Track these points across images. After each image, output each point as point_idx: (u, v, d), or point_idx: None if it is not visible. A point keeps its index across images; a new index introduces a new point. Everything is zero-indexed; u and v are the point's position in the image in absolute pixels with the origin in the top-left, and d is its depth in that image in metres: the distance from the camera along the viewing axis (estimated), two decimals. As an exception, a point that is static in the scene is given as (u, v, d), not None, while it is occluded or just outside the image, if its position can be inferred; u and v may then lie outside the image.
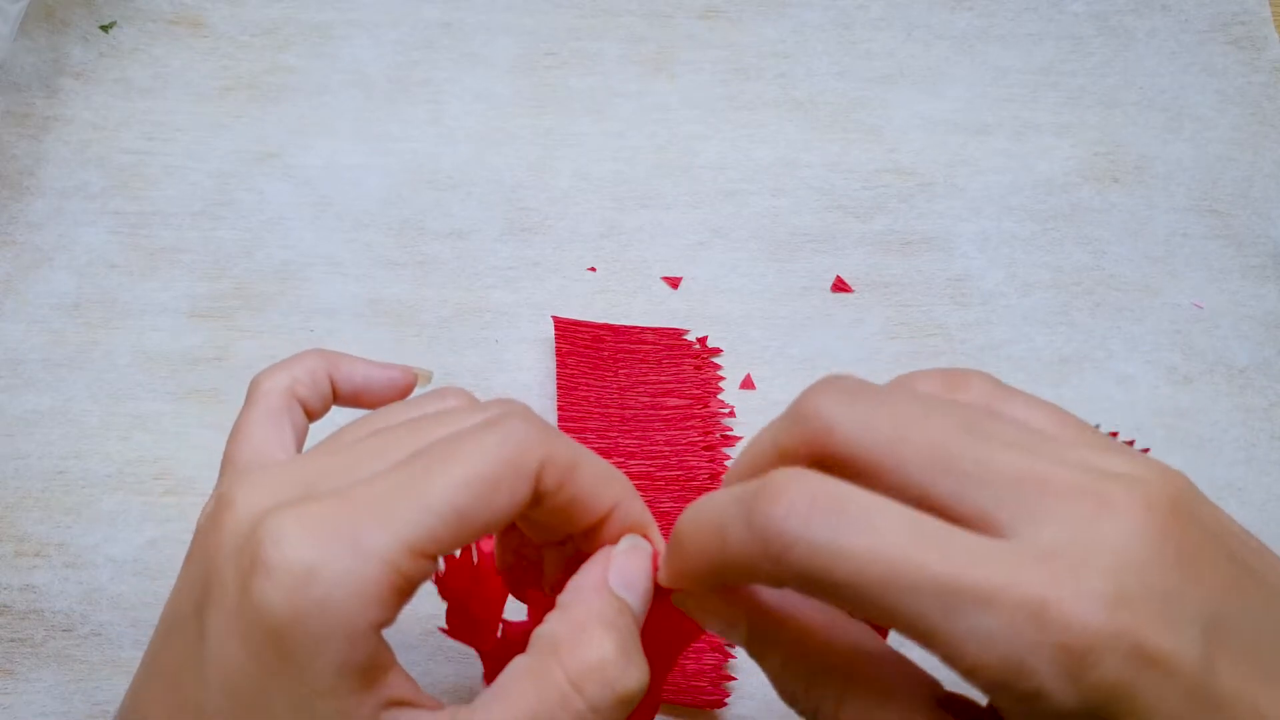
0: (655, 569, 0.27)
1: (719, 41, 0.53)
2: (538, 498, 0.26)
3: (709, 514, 0.24)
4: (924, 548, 0.21)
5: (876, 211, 0.49)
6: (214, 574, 0.24)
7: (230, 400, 0.44)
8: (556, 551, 0.30)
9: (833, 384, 0.24)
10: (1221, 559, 0.22)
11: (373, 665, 0.24)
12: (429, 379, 0.33)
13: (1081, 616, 0.20)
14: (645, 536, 0.28)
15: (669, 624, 0.29)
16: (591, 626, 0.25)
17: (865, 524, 0.21)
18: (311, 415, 0.31)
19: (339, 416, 0.30)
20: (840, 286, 0.47)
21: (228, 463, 0.29)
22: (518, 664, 0.25)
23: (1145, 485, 0.22)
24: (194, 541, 0.27)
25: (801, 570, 0.22)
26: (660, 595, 0.28)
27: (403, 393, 0.33)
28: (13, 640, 0.40)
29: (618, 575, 0.27)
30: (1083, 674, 0.20)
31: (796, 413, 0.24)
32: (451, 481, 0.24)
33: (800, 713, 0.25)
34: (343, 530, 0.23)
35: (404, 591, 0.24)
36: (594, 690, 0.24)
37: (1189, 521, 0.22)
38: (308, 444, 0.30)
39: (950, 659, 0.21)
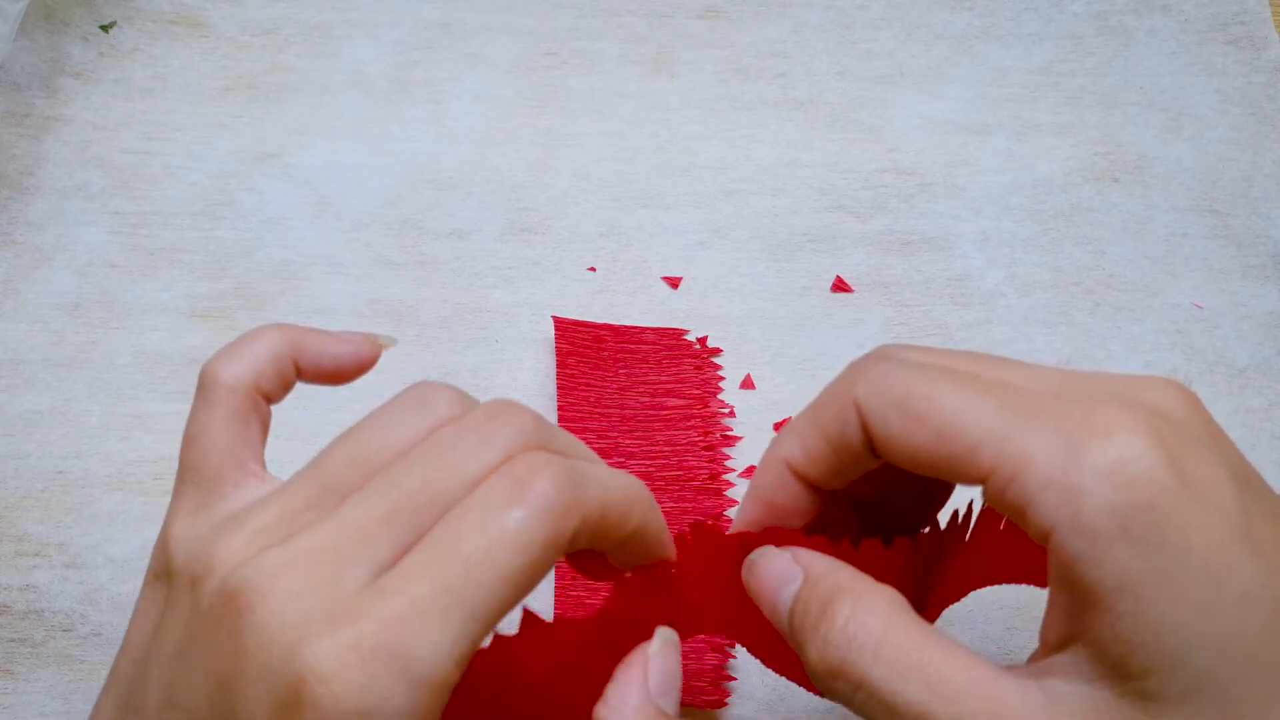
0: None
1: (719, 41, 0.53)
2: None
3: (815, 411, 0.28)
4: (986, 401, 0.24)
5: (876, 211, 0.49)
6: (241, 694, 0.22)
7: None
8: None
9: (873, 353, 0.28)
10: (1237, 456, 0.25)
11: None
12: (392, 344, 0.32)
13: (1130, 435, 0.22)
14: (664, 550, 0.28)
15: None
16: None
17: (942, 370, 0.26)
18: (272, 401, 0.29)
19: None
20: (840, 286, 0.47)
21: (190, 470, 0.27)
22: None
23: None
24: (179, 598, 0.25)
25: (896, 423, 0.25)
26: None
27: (368, 366, 0.31)
28: (13, 640, 0.40)
29: (658, 683, 0.26)
30: (1130, 483, 0.22)
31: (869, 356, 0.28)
32: (494, 582, 0.23)
33: (835, 691, 0.25)
34: (393, 662, 0.21)
35: (447, 698, 0.23)
36: None
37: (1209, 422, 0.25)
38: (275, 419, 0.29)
39: (999, 469, 0.23)
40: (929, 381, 0.25)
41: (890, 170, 0.50)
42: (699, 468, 0.43)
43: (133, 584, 0.41)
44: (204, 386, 0.28)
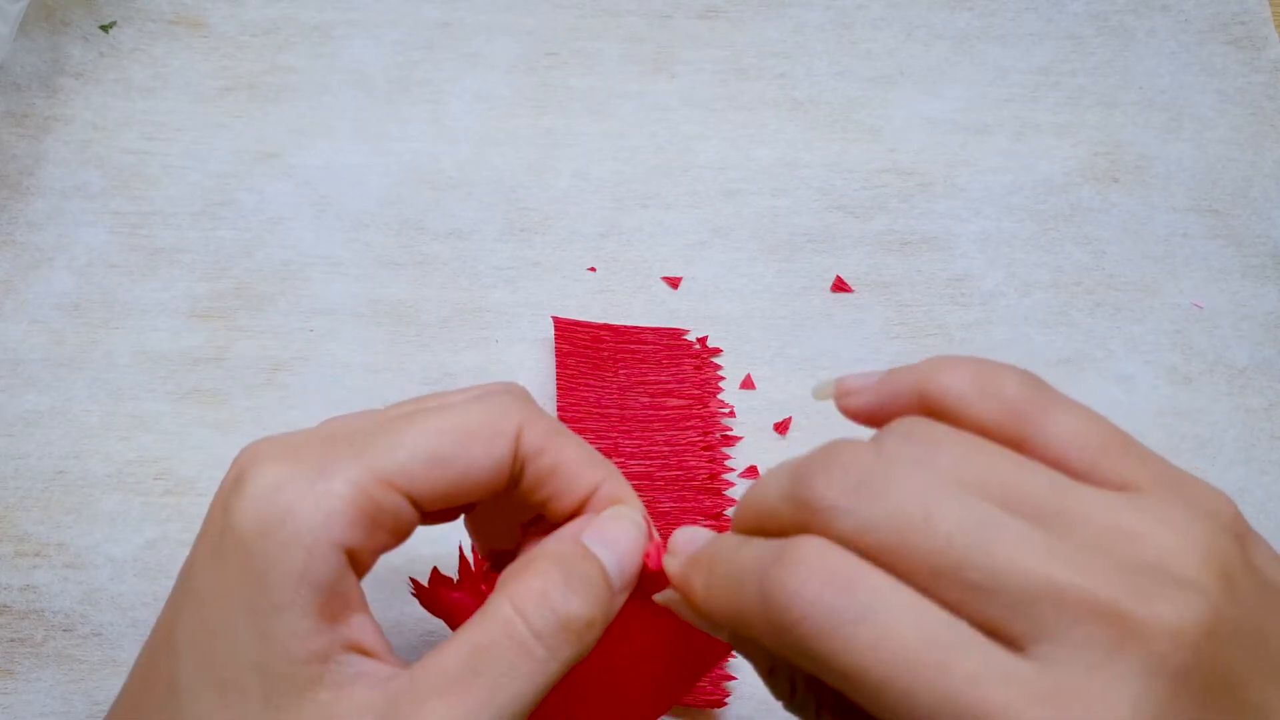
0: (651, 555, 0.27)
1: (719, 41, 0.53)
2: (520, 467, 0.26)
3: (728, 565, 0.24)
4: (934, 650, 0.20)
5: (876, 211, 0.49)
6: (209, 514, 0.26)
7: (230, 400, 0.44)
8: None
9: (837, 465, 0.22)
10: (1246, 694, 0.21)
11: (335, 594, 0.24)
12: None
13: None
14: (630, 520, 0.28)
15: (692, 635, 0.28)
16: (538, 560, 0.26)
17: (877, 613, 0.20)
18: None
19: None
20: (840, 286, 0.47)
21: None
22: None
23: (1176, 606, 0.20)
24: None
25: (804, 650, 0.21)
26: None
27: None
28: (13, 640, 0.40)
29: (594, 533, 0.27)
30: None
31: (794, 495, 0.22)
32: (429, 428, 0.25)
33: (791, 710, 0.25)
34: (315, 457, 0.25)
35: (374, 520, 0.24)
36: (535, 613, 0.24)
37: (1226, 639, 0.20)
38: None
39: None
40: (852, 623, 0.20)
41: (890, 170, 0.50)
42: (699, 468, 0.43)
43: (133, 584, 0.41)
44: None
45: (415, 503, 0.25)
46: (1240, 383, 0.46)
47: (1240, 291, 0.48)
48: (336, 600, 0.24)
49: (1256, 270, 0.48)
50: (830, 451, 0.23)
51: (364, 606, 0.25)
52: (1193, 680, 0.20)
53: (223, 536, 0.24)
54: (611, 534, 0.27)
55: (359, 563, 0.25)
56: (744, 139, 0.51)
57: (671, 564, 0.26)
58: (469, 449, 0.25)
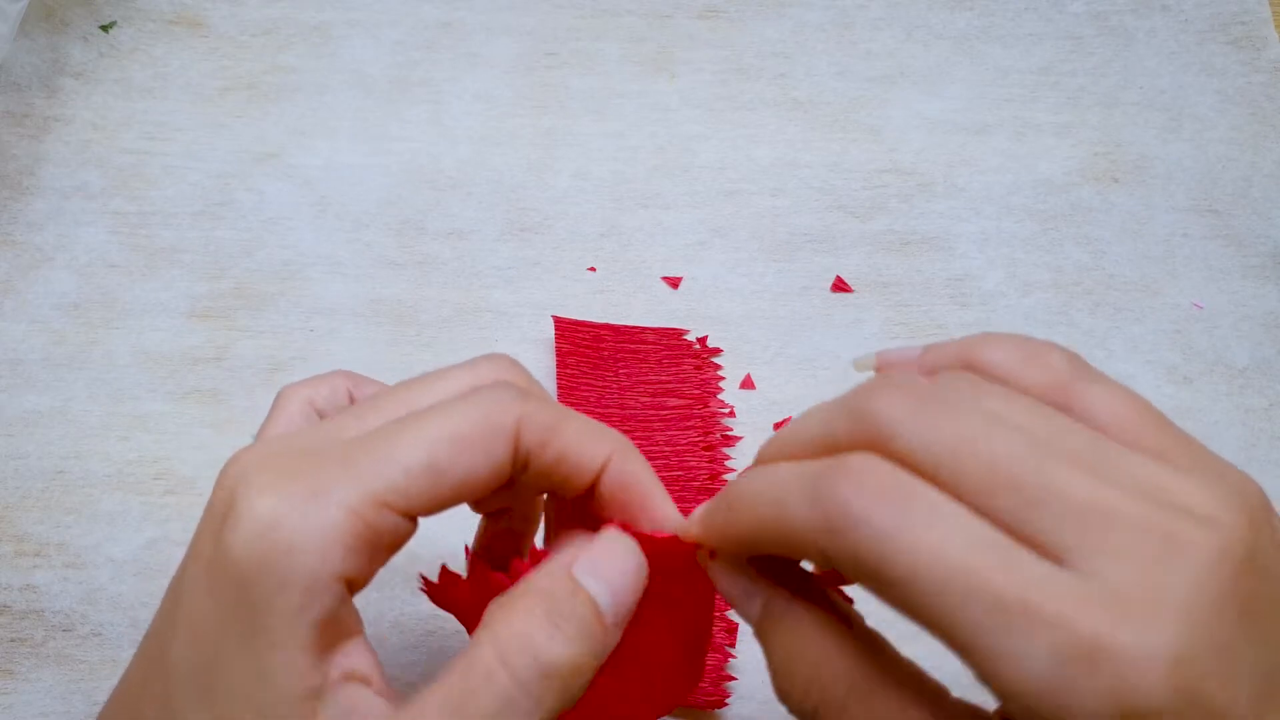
0: (657, 542, 0.27)
1: (719, 41, 0.53)
2: (523, 461, 0.26)
3: (769, 481, 0.24)
4: (985, 558, 0.20)
5: (876, 211, 0.49)
6: (198, 534, 0.25)
7: (230, 400, 0.44)
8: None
9: (897, 386, 0.23)
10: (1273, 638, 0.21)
11: (333, 624, 0.24)
12: None
13: (1139, 668, 0.19)
14: (646, 498, 0.27)
15: (681, 623, 0.28)
16: (526, 596, 0.25)
17: (931, 522, 0.21)
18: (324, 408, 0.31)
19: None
20: (840, 286, 0.47)
21: None
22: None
23: (1218, 531, 0.21)
24: None
25: (859, 553, 0.21)
26: (671, 594, 0.27)
27: None
28: (13, 640, 0.40)
29: (586, 564, 0.26)
30: (1119, 707, 0.20)
31: (855, 409, 0.23)
32: (423, 438, 0.24)
33: (793, 711, 0.25)
34: (309, 481, 0.24)
35: (373, 545, 0.24)
36: (518, 661, 0.23)
37: (1259, 574, 0.21)
38: None
39: (989, 675, 0.20)
40: (906, 551, 0.21)
41: (890, 170, 0.50)
42: (699, 468, 0.43)
43: (133, 584, 0.41)
44: (273, 403, 0.31)
45: (412, 515, 0.25)
46: (1240, 383, 0.46)
47: (1240, 291, 0.48)
48: (333, 629, 0.24)
49: (1256, 270, 0.48)
50: (889, 378, 0.23)
51: (359, 628, 0.25)
52: (1236, 598, 0.20)
53: (217, 567, 0.24)
54: (606, 564, 0.26)
55: (356, 584, 0.24)
56: (744, 139, 0.51)
57: (692, 526, 0.27)
58: (466, 456, 0.25)
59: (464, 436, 0.25)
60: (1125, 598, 0.20)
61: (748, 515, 0.24)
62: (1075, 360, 0.24)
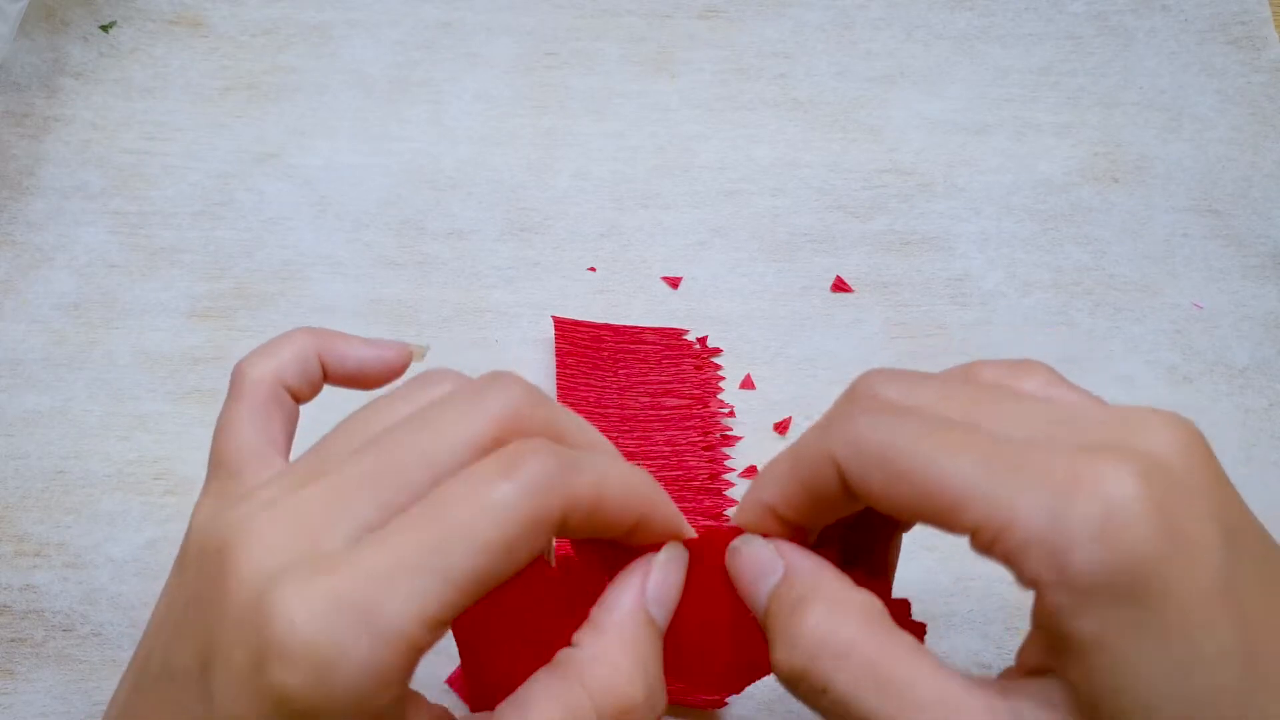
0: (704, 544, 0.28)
1: (719, 41, 0.53)
2: (560, 532, 0.25)
3: (783, 462, 0.27)
4: (973, 439, 0.24)
5: (876, 211, 0.49)
6: (218, 640, 0.23)
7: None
8: None
9: (870, 375, 0.27)
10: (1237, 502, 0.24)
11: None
12: (423, 355, 0.32)
13: (1119, 489, 0.22)
14: (672, 534, 0.28)
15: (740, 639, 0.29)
16: (626, 663, 0.25)
17: (932, 428, 0.24)
18: (300, 399, 0.30)
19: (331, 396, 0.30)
20: (840, 286, 0.47)
21: (217, 461, 0.28)
22: (542, 682, 0.25)
23: (1163, 437, 0.23)
24: (187, 567, 0.26)
25: (883, 469, 0.24)
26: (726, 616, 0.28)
27: (397, 372, 0.31)
28: (13, 640, 0.40)
29: (655, 590, 0.27)
30: (1116, 539, 0.21)
31: (848, 392, 0.27)
32: (471, 549, 0.23)
33: (803, 690, 0.25)
34: (359, 611, 0.22)
35: (419, 659, 0.23)
36: None
37: (1212, 461, 0.24)
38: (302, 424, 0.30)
39: (995, 539, 0.23)
40: (909, 438, 0.24)
41: (890, 170, 0.50)
42: (699, 468, 0.43)
43: (133, 584, 0.41)
44: (232, 382, 0.29)
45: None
46: (1240, 383, 0.46)
47: (1240, 291, 0.48)
48: None
49: (1256, 270, 0.48)
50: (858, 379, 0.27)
51: (416, 698, 0.25)
52: (1203, 463, 0.23)
53: (267, 702, 0.22)
54: (669, 590, 0.27)
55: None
56: (744, 139, 0.51)
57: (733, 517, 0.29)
58: (514, 559, 0.23)
59: (513, 541, 0.23)
60: (1099, 450, 0.23)
61: (774, 477, 0.27)
62: (1054, 377, 0.27)
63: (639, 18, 0.53)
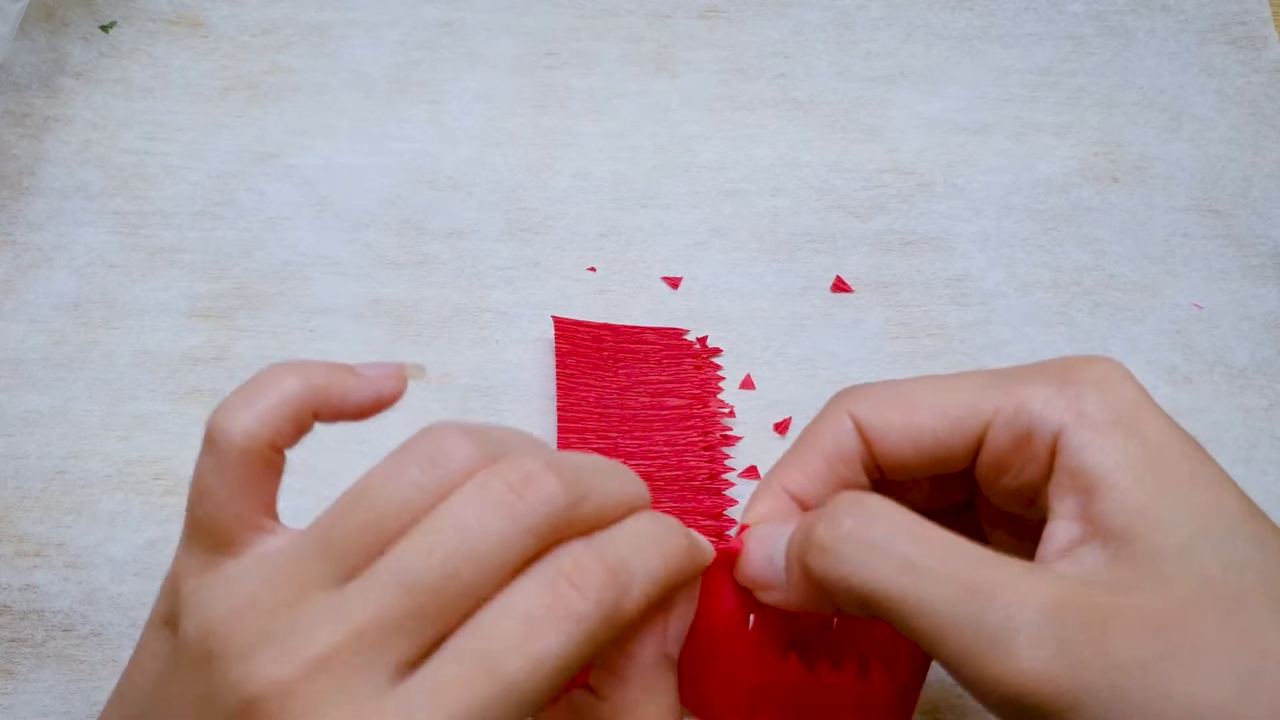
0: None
1: (719, 41, 0.53)
2: None
3: (797, 439, 0.30)
4: (974, 372, 0.29)
5: (876, 211, 0.49)
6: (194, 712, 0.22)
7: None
8: None
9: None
10: None
11: None
12: (421, 374, 0.30)
13: (1109, 368, 0.28)
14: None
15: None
16: (650, 708, 0.26)
17: (924, 376, 0.29)
18: (287, 447, 0.27)
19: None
20: (840, 286, 0.47)
21: (200, 530, 0.26)
22: None
23: None
24: (185, 662, 0.24)
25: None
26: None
27: (393, 402, 0.28)
28: (13, 640, 0.40)
29: (675, 631, 0.27)
30: (1116, 391, 0.27)
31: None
32: (530, 700, 0.22)
33: (842, 564, 0.26)
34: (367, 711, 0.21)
35: None
36: None
37: None
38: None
39: (1003, 406, 0.27)
40: (914, 381, 0.28)
41: (890, 170, 0.50)
42: (699, 467, 0.43)
43: (132, 584, 0.41)
44: (213, 441, 0.25)
45: None
46: (1240, 383, 0.46)
47: (1240, 291, 0.48)
48: None
49: (1256, 270, 0.48)
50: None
51: None
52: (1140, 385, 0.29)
53: None
54: (683, 628, 0.27)
55: None
56: (744, 139, 0.51)
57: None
58: (556, 690, 0.23)
59: (559, 683, 0.23)
60: (1074, 358, 0.28)
61: (790, 458, 0.29)
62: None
63: (639, 18, 0.53)
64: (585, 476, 0.24)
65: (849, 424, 0.28)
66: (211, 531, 0.25)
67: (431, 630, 0.22)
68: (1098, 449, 0.26)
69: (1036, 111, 0.51)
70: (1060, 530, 0.26)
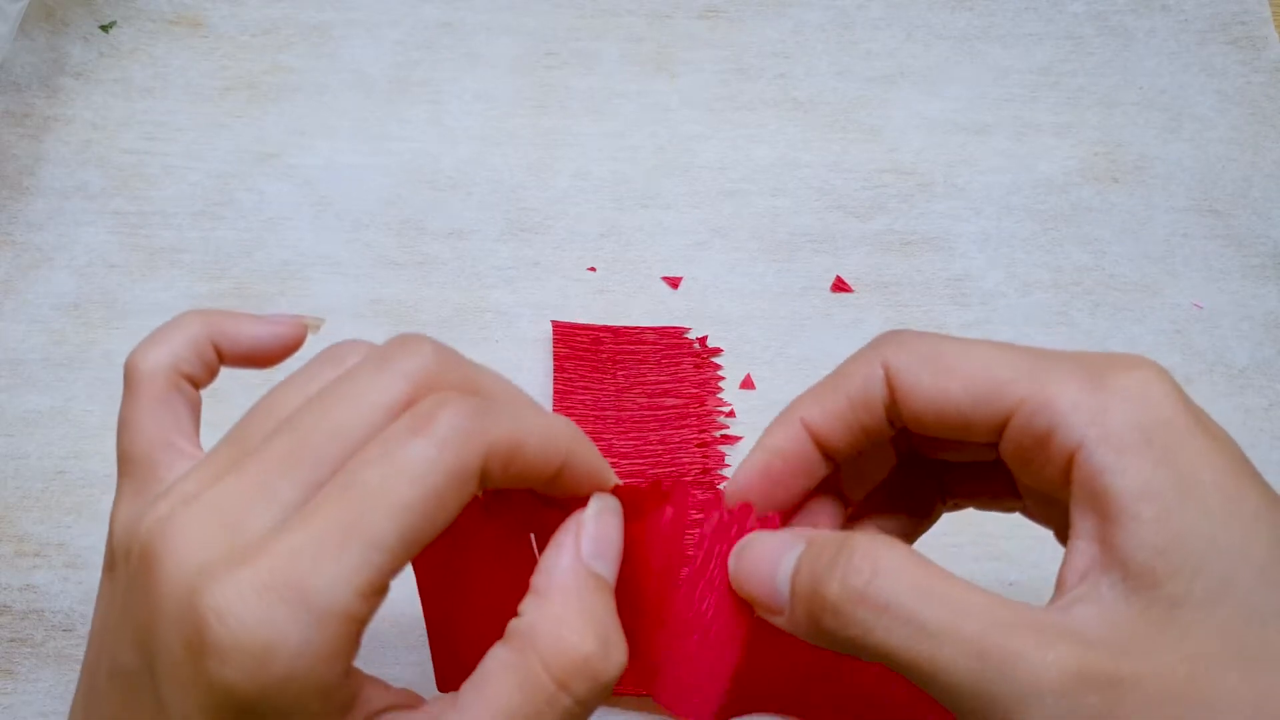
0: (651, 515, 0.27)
1: (719, 41, 0.53)
2: (483, 482, 0.25)
3: (828, 376, 0.29)
4: (1012, 347, 0.27)
5: (876, 211, 0.49)
6: (157, 642, 0.23)
7: (230, 400, 0.44)
8: None
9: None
10: None
11: (346, 700, 0.23)
12: (319, 327, 0.31)
13: (1147, 369, 0.26)
14: (598, 478, 0.27)
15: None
16: (571, 618, 0.25)
17: (962, 337, 0.28)
18: (199, 385, 0.30)
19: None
20: (840, 286, 0.47)
21: (125, 460, 0.27)
22: (496, 656, 0.24)
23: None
24: (116, 563, 0.25)
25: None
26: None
27: (293, 348, 0.31)
28: (13, 640, 0.40)
29: (591, 545, 0.26)
30: (1150, 403, 0.25)
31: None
32: (393, 511, 0.22)
33: (853, 623, 0.25)
34: (290, 594, 0.21)
35: (361, 630, 0.23)
36: (580, 685, 0.24)
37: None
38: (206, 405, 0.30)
39: (1029, 397, 0.25)
40: (957, 341, 0.27)
41: (890, 170, 0.50)
42: (693, 464, 0.43)
43: (133, 584, 0.41)
44: (127, 376, 0.28)
45: (388, 586, 0.24)
46: (1240, 383, 0.46)
47: (1240, 291, 0.48)
48: (347, 701, 0.23)
49: (1256, 270, 0.48)
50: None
51: (363, 676, 0.24)
52: (1182, 390, 0.28)
53: (212, 697, 0.22)
54: (606, 541, 0.26)
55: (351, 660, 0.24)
56: (744, 139, 0.51)
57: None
58: (439, 514, 0.23)
59: (435, 497, 0.23)
60: (1116, 355, 0.26)
61: (817, 392, 0.29)
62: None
63: (639, 18, 0.53)
64: (469, 362, 0.26)
65: (880, 372, 0.28)
66: (133, 458, 0.27)
67: (313, 469, 0.23)
68: (1121, 473, 0.24)
69: (1036, 111, 0.51)
70: (1080, 551, 0.24)
